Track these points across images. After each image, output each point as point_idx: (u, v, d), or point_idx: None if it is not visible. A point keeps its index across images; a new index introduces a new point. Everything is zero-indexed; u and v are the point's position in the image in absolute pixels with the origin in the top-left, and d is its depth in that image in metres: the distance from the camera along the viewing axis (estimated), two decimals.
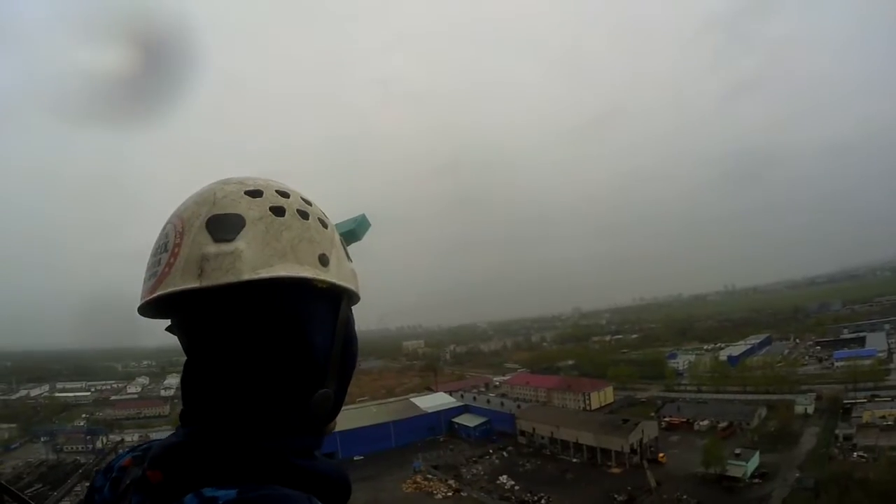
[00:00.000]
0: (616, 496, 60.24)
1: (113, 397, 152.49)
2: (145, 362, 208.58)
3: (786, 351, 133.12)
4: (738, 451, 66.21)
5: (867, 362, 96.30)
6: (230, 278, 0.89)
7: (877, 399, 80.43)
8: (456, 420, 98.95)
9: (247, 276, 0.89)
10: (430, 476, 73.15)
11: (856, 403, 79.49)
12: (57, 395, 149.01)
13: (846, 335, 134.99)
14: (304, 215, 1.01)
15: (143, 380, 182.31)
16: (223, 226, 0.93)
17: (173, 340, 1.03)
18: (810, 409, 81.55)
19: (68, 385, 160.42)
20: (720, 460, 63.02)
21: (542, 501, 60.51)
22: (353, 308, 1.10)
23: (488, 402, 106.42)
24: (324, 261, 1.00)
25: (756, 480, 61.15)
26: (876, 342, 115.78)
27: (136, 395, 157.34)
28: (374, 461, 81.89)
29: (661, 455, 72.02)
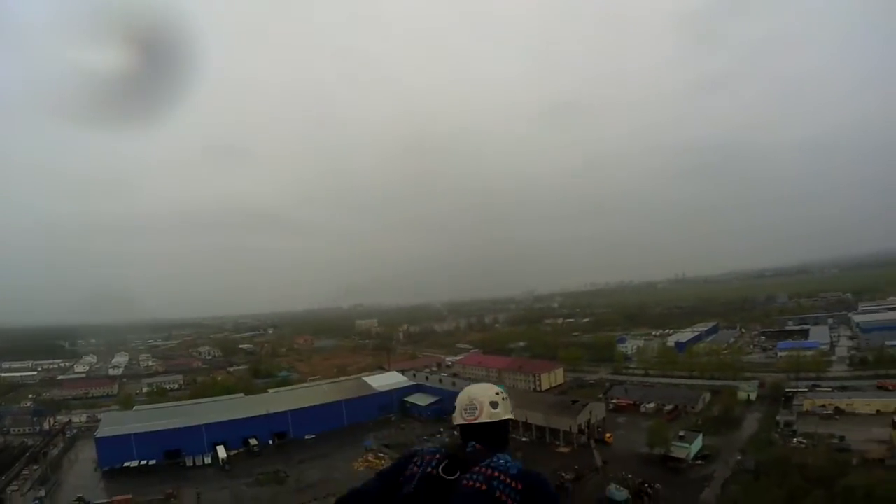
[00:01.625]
0: (564, 475, 60.98)
1: (60, 377, 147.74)
2: (93, 340, 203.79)
3: (732, 339, 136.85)
4: (682, 433, 67.97)
5: (810, 353, 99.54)
6: (499, 418, 3.53)
7: (818, 389, 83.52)
8: (408, 399, 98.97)
9: (503, 417, 3.54)
10: (381, 454, 73.19)
11: (797, 392, 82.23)
12: (2, 374, 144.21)
13: (791, 327, 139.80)
14: (504, 398, 3.62)
15: (91, 358, 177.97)
16: (495, 404, 3.55)
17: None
18: (753, 396, 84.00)
19: (14, 364, 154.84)
20: (665, 442, 64.73)
21: None
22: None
23: (440, 381, 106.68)
24: (510, 411, 3.62)
25: (699, 462, 62.77)
26: (819, 335, 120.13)
27: (83, 375, 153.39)
28: (326, 440, 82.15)
29: (607, 435, 73.54)
